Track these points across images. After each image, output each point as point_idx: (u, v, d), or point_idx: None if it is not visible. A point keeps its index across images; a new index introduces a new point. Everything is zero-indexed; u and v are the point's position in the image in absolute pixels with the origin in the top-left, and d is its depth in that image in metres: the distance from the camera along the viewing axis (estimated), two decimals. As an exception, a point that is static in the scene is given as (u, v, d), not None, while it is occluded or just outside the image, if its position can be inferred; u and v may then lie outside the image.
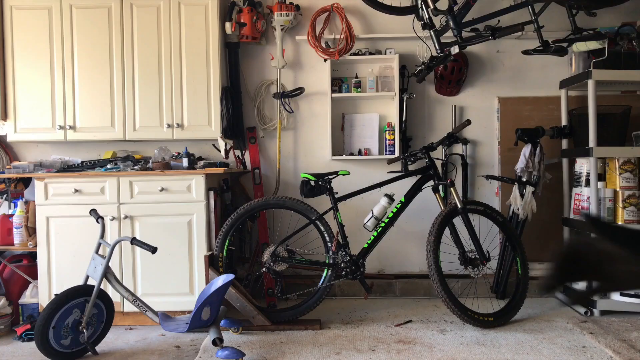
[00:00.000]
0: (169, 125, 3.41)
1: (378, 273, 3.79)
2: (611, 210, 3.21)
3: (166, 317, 2.71)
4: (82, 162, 3.46)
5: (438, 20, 3.15)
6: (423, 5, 3.02)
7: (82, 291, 2.66)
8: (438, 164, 3.45)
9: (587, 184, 3.29)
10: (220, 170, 3.18)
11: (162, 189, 3.10)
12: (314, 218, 3.09)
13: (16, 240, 3.29)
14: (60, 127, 3.42)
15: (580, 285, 0.93)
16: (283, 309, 3.11)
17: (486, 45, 3.65)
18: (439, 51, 3.02)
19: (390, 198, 3.17)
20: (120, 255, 3.11)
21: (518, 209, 3.37)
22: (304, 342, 2.82)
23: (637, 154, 3.19)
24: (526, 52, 3.20)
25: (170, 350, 2.75)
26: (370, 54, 3.66)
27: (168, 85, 3.41)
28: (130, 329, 3.13)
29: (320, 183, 3.09)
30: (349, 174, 3.18)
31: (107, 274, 2.67)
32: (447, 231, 3.10)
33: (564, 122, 3.60)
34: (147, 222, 3.11)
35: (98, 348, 2.73)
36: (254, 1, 3.59)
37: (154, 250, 2.52)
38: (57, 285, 3.12)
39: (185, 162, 3.21)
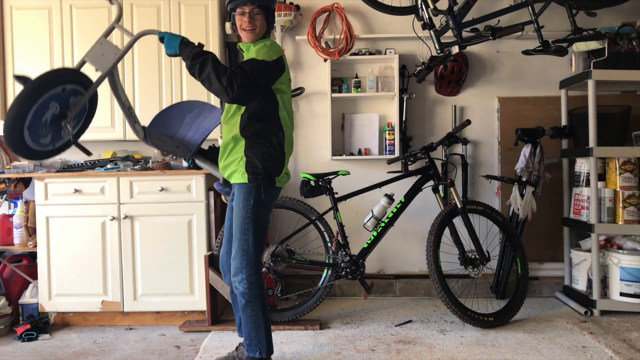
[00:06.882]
0: (169, 125, 3.40)
1: (378, 273, 3.79)
2: (611, 210, 3.20)
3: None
4: (82, 162, 3.45)
5: (438, 20, 3.15)
6: (423, 5, 3.02)
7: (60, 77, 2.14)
8: (438, 164, 3.44)
9: (587, 184, 3.29)
10: (220, 170, 3.18)
11: (162, 189, 3.10)
12: (314, 218, 3.09)
13: (16, 240, 3.29)
14: (60, 127, 3.41)
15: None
16: (283, 309, 3.11)
17: (486, 45, 3.65)
18: (439, 51, 3.03)
19: (390, 198, 3.17)
20: (120, 255, 3.11)
21: (518, 209, 3.37)
22: (304, 342, 2.82)
23: (637, 154, 3.19)
24: (526, 52, 3.20)
25: (170, 350, 2.75)
26: (370, 54, 3.66)
27: (168, 86, 3.41)
28: (130, 329, 3.13)
29: (320, 183, 3.08)
30: (349, 174, 3.18)
31: None
32: (447, 231, 3.10)
33: (564, 122, 3.59)
34: (147, 222, 3.11)
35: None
36: (254, 1, 3.58)
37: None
38: (57, 285, 3.12)
39: (185, 162, 3.22)
